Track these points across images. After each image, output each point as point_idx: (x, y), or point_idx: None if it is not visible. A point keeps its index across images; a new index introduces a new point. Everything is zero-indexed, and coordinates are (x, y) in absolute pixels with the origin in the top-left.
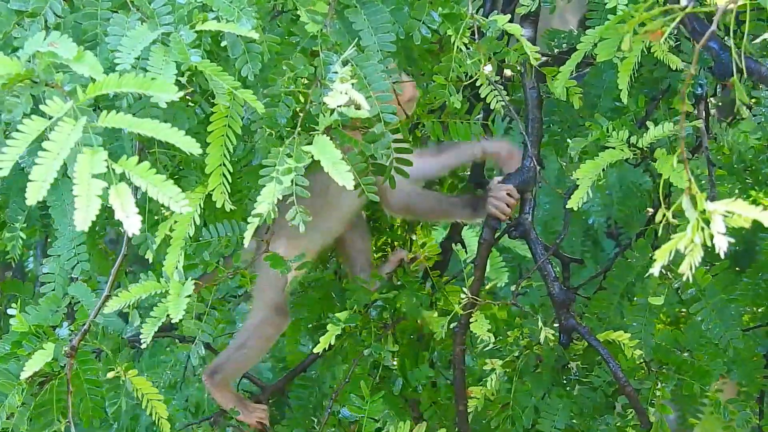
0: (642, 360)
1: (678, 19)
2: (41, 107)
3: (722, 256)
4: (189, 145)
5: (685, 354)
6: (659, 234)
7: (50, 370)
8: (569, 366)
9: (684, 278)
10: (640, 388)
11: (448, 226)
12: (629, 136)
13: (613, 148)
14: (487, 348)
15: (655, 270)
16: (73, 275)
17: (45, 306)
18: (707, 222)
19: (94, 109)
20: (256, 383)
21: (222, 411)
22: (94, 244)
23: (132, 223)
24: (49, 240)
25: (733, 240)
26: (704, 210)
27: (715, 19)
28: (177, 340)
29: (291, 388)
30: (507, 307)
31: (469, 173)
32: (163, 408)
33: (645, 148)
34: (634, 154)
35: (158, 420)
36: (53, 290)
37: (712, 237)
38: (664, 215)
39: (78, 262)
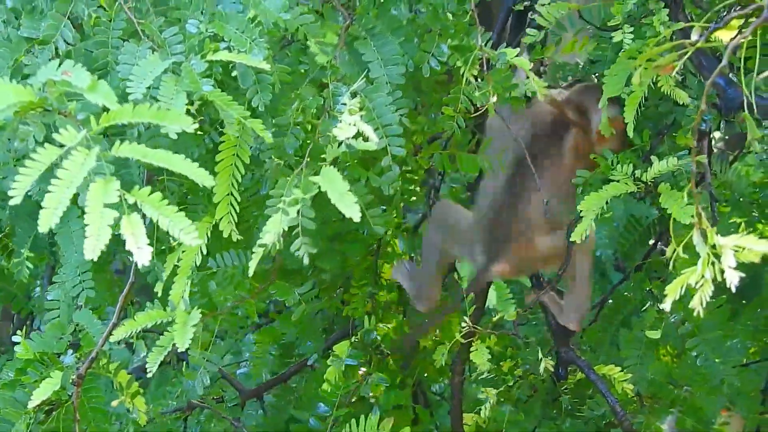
0: (635, 394)
1: (689, 53)
2: (54, 135)
3: (733, 290)
4: (202, 177)
5: (684, 388)
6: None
7: (57, 398)
8: (560, 399)
9: (681, 312)
10: (633, 422)
11: None
12: (633, 170)
13: (618, 181)
14: (482, 376)
15: (666, 306)
16: (78, 302)
17: (50, 333)
18: (717, 257)
19: (103, 136)
20: (235, 386)
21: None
22: (100, 272)
23: (144, 254)
24: (56, 269)
25: (743, 274)
26: (714, 245)
27: (726, 55)
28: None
29: (269, 396)
30: (506, 337)
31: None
32: None
33: (649, 182)
34: (638, 188)
35: None
36: (58, 317)
37: (722, 272)
38: (674, 250)
39: (83, 290)
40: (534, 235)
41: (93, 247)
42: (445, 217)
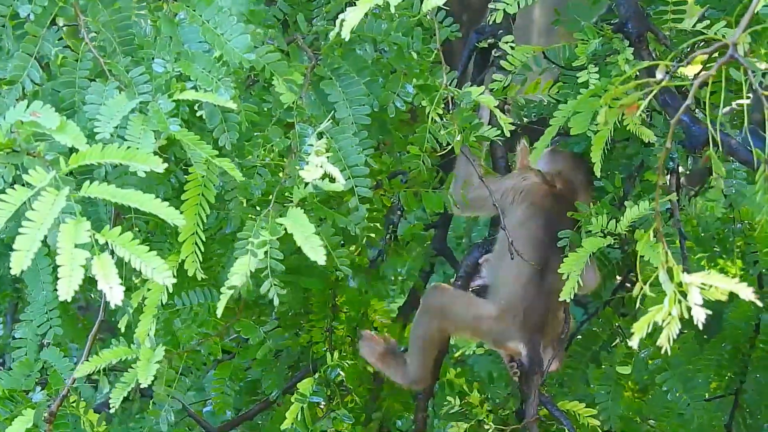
0: (606, 430)
1: (654, 92)
2: (24, 176)
3: (700, 327)
4: (172, 216)
5: (650, 422)
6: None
7: None
8: None
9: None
10: None
11: (407, 293)
12: (608, 221)
13: (594, 234)
14: (452, 411)
15: (633, 343)
16: (45, 341)
17: (18, 371)
18: (684, 294)
19: (70, 175)
20: (201, 424)
21: None
22: (66, 310)
23: (115, 293)
24: (19, 306)
25: (710, 311)
26: (680, 282)
27: (690, 94)
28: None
29: None
30: (467, 371)
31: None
32: None
33: (625, 233)
34: (614, 239)
35: None
36: (25, 355)
37: (689, 309)
38: (641, 288)
39: (50, 327)
40: (560, 307)
41: (67, 287)
42: (448, 305)
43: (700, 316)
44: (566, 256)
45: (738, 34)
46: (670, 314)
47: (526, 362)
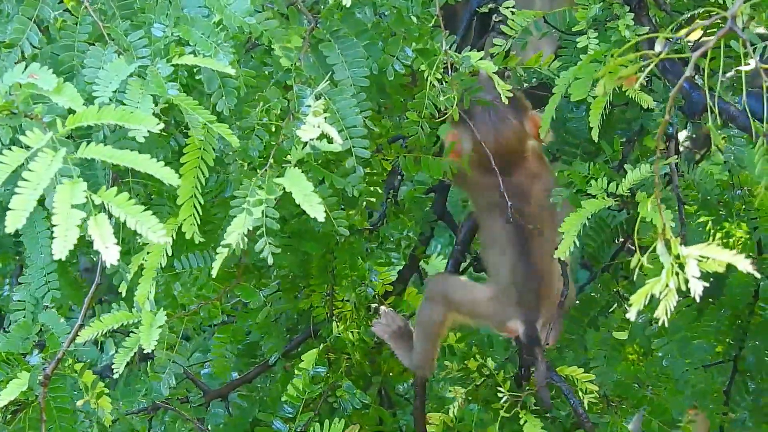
0: (602, 395)
1: (653, 65)
2: (21, 138)
3: (697, 299)
4: (168, 177)
5: (648, 389)
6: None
7: (24, 398)
8: (524, 399)
9: (648, 313)
10: (599, 422)
11: (408, 257)
12: (608, 183)
13: (594, 197)
14: (449, 376)
15: (631, 315)
16: (44, 303)
17: (15, 333)
18: (681, 266)
19: (69, 138)
20: (200, 386)
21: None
22: (66, 272)
23: (111, 253)
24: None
25: (707, 284)
26: (678, 254)
27: (690, 64)
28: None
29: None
30: (469, 335)
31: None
32: None
33: (625, 195)
34: (615, 201)
35: None
36: (24, 318)
37: (686, 281)
38: (639, 260)
39: (49, 290)
40: (554, 280)
41: (62, 247)
42: (448, 292)
43: (697, 288)
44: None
45: (737, 6)
46: (667, 286)
47: (524, 339)
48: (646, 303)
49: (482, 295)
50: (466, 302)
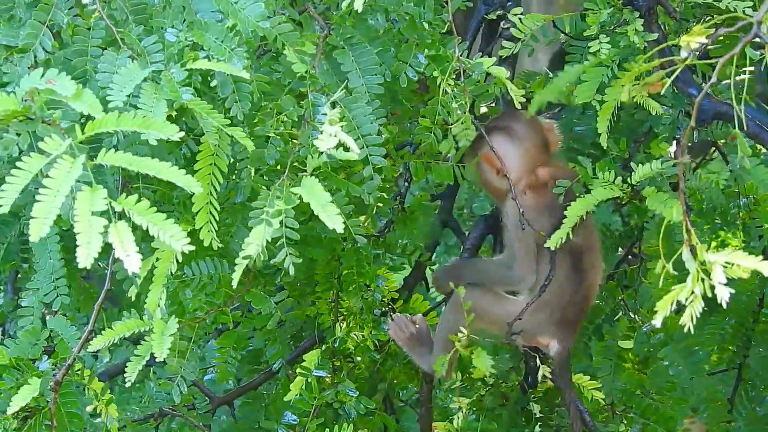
0: (608, 402)
1: (678, 71)
2: (39, 144)
3: (724, 306)
4: (189, 184)
5: (652, 397)
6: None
7: (35, 404)
8: (529, 407)
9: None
10: (604, 431)
11: (413, 264)
12: (615, 177)
13: (602, 187)
14: (454, 385)
15: (657, 322)
16: (52, 309)
17: (24, 339)
18: (707, 273)
19: (82, 142)
20: (206, 393)
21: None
22: (73, 278)
23: (133, 261)
24: (18, 275)
25: (733, 290)
26: (704, 261)
27: (715, 72)
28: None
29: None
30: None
31: (438, 211)
32: None
33: (635, 184)
34: (623, 192)
35: None
36: (32, 323)
37: (712, 287)
38: (664, 266)
39: (57, 296)
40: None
41: (86, 255)
42: (481, 305)
43: (724, 295)
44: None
45: (762, 12)
46: (693, 293)
47: (557, 358)
48: (648, 311)
49: (515, 309)
50: (497, 314)
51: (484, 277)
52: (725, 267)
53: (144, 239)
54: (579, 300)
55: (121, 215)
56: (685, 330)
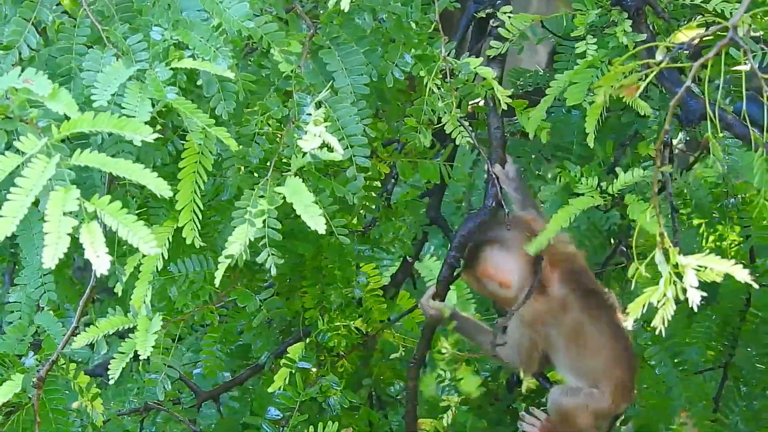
0: None
1: (654, 74)
2: (15, 143)
3: (695, 309)
4: (160, 187)
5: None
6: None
7: (18, 400)
8: (514, 405)
9: (626, 324)
10: None
11: (401, 261)
12: (599, 183)
13: (584, 194)
14: (443, 383)
15: (628, 323)
16: (39, 304)
17: (11, 335)
18: (679, 275)
19: (64, 141)
20: (192, 387)
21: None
22: (62, 273)
23: (101, 263)
24: (17, 269)
25: (705, 293)
26: (676, 263)
27: (690, 73)
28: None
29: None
30: (459, 342)
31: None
32: None
33: (615, 194)
34: (604, 200)
35: None
36: (20, 319)
37: (684, 290)
38: (636, 269)
39: (45, 292)
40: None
41: (52, 255)
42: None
43: (695, 298)
44: None
45: (738, 16)
46: (665, 295)
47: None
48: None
49: (602, 406)
50: (587, 419)
51: (477, 342)
52: (697, 270)
53: None
54: (631, 367)
55: (94, 215)
56: (657, 332)
